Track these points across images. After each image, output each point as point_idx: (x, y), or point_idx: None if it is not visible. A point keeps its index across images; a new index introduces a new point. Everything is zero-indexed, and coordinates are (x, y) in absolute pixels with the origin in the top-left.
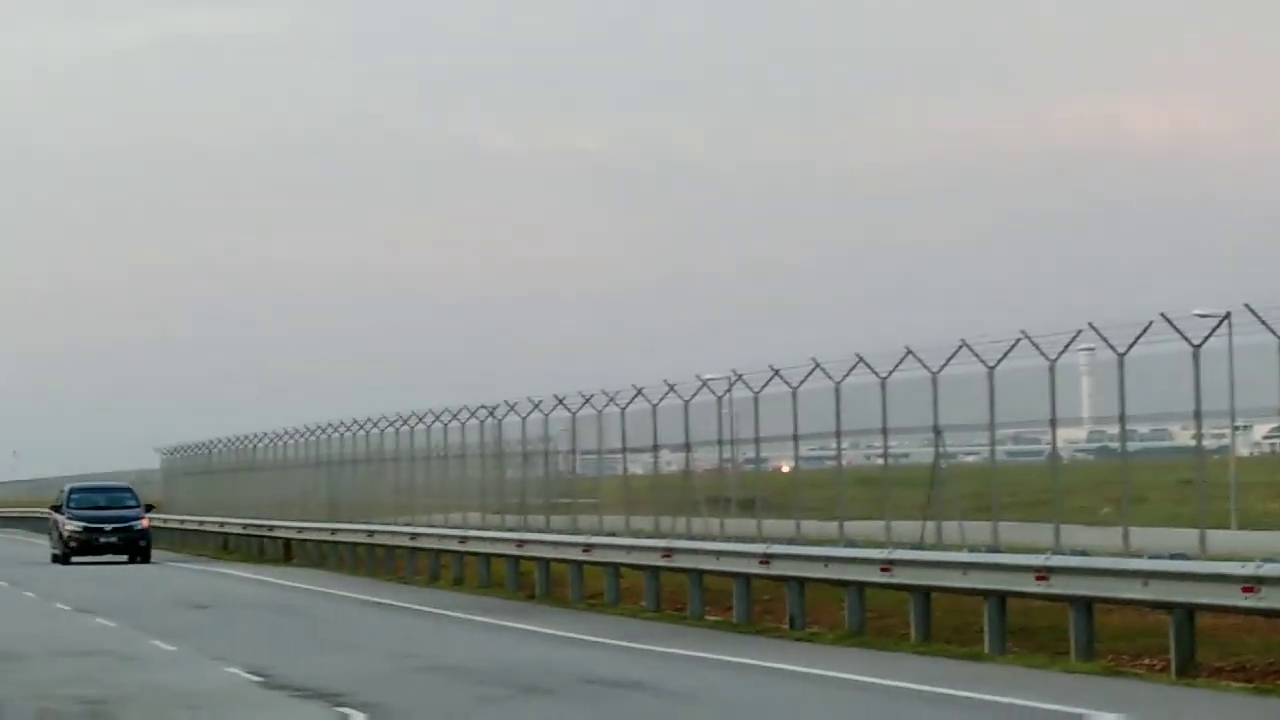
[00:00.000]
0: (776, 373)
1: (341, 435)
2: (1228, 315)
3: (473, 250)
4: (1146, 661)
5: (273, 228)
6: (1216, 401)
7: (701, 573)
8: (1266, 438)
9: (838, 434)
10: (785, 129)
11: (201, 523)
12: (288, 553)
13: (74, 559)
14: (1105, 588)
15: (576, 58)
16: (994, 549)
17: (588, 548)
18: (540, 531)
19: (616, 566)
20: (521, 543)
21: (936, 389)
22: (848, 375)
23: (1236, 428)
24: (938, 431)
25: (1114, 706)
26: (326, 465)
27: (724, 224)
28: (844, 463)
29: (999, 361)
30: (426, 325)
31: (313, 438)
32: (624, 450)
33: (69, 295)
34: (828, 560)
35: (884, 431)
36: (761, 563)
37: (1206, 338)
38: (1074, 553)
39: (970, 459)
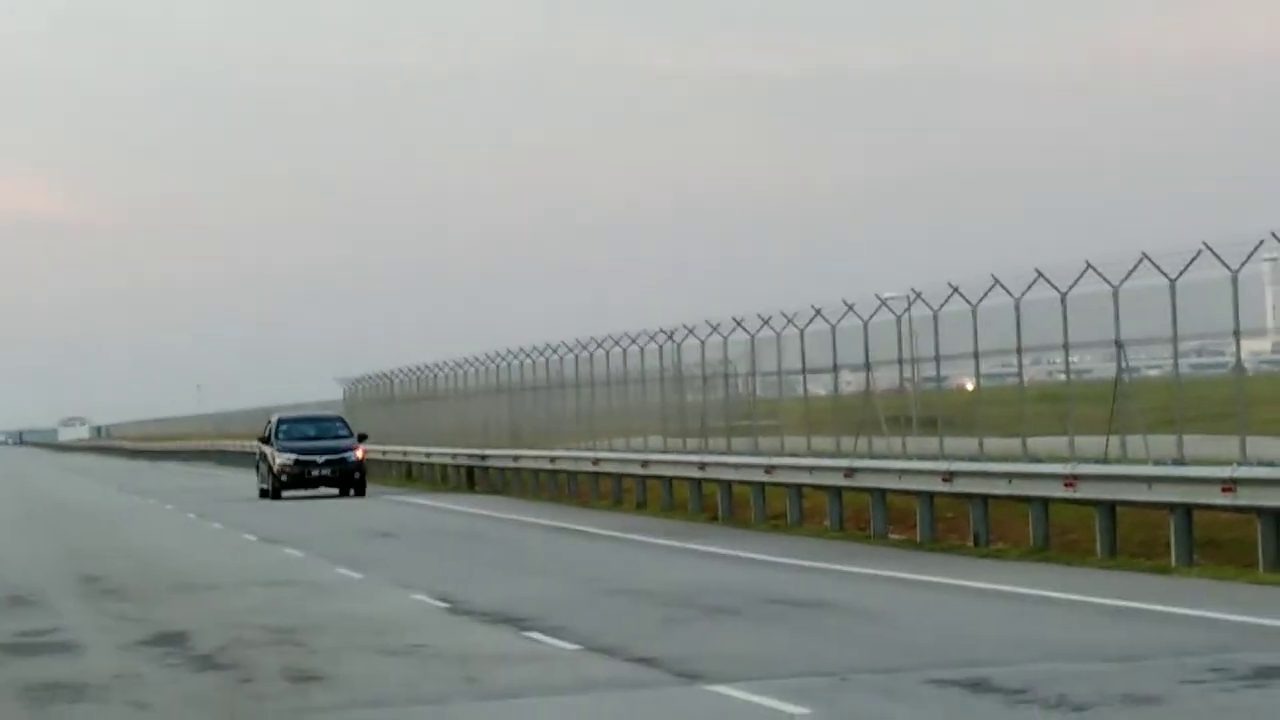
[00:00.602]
0: (956, 290)
1: (522, 362)
2: None
3: (664, 175)
4: None
5: (479, 163)
6: None
7: (884, 491)
8: None
9: (1018, 350)
10: (969, 39)
11: (385, 452)
12: (470, 480)
13: (285, 493)
14: None
15: None
16: (1179, 462)
17: (770, 468)
18: (722, 454)
19: (799, 487)
20: (704, 465)
21: (1118, 303)
22: (1027, 291)
23: None
24: (1120, 345)
25: None
26: (508, 392)
27: (903, 138)
28: (1025, 379)
29: (1180, 274)
30: (618, 248)
31: (494, 365)
32: (804, 371)
33: (248, 233)
34: (1011, 476)
35: (1065, 347)
36: (944, 480)
37: None
38: (1260, 464)
39: (1153, 373)
